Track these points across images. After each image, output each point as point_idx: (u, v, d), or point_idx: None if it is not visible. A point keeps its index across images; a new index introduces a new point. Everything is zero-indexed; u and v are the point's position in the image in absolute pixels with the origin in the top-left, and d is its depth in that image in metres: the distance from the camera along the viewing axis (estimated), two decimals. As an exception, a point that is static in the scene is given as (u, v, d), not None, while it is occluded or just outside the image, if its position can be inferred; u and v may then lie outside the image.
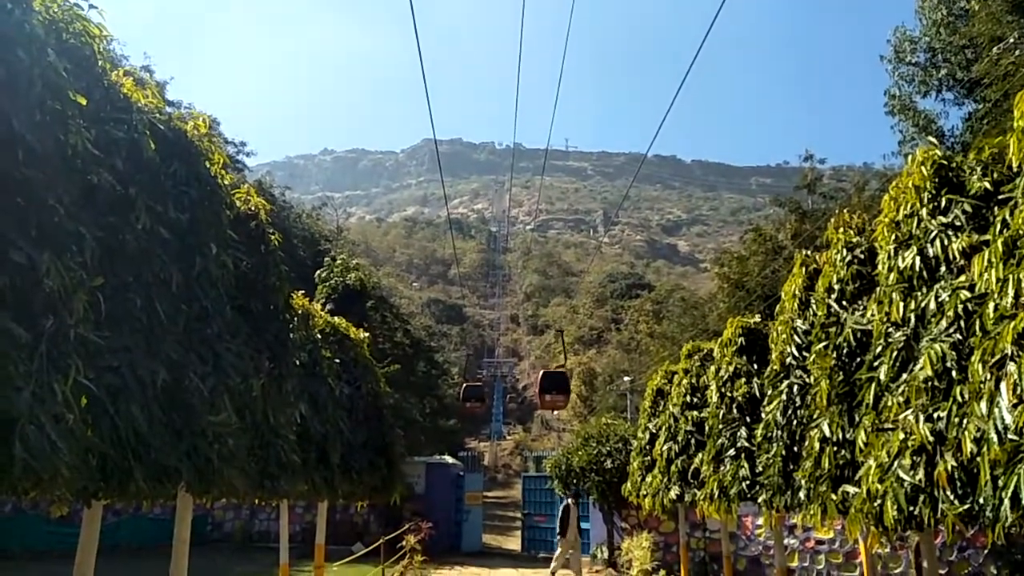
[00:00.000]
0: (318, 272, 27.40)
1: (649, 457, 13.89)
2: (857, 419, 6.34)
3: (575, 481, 22.11)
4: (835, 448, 6.68)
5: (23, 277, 3.18)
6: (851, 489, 6.29)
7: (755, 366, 10.17)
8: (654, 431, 13.89)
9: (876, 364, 5.99)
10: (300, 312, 9.05)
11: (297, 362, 8.23)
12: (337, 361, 10.59)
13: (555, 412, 79.66)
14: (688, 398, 12.53)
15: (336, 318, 11.73)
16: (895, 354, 5.72)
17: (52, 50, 4.03)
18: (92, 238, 4.10)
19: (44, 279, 3.28)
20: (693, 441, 12.06)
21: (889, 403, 5.65)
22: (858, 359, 6.63)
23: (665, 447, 12.75)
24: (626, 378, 48.30)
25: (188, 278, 5.47)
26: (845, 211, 8.01)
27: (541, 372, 27.14)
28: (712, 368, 11.36)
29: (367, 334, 13.02)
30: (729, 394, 10.35)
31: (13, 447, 3.02)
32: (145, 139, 5.24)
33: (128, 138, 5.06)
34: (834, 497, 6.61)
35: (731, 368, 10.50)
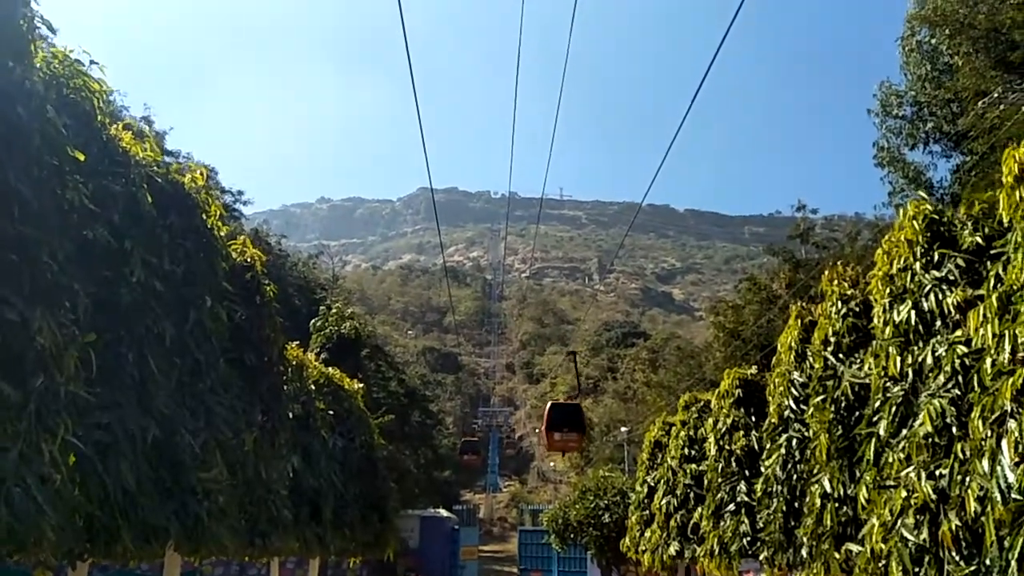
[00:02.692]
0: (313, 321, 27.28)
1: (648, 511, 13.66)
2: (858, 475, 6.26)
3: (572, 536, 21.68)
4: (837, 505, 6.58)
5: (15, 335, 3.15)
6: (855, 548, 6.17)
7: (753, 418, 10.09)
8: (652, 484, 13.69)
9: (875, 419, 5.94)
10: (294, 363, 8.99)
11: (291, 415, 8.13)
12: (331, 413, 10.47)
13: (552, 464, 78.64)
14: (686, 450, 12.39)
15: (330, 368, 11.64)
16: (894, 409, 5.68)
17: (52, 106, 4.08)
18: (85, 293, 4.08)
19: (36, 337, 3.25)
20: (692, 495, 11.88)
21: (890, 459, 5.59)
22: (857, 413, 6.58)
23: (664, 501, 12.55)
24: (623, 428, 47.83)
25: (182, 331, 5.43)
26: (839, 263, 8.05)
27: (549, 404, 21.19)
28: (710, 420, 11.26)
29: (361, 385, 12.91)
30: (728, 447, 10.24)
31: (-2, 510, 2.95)
32: (142, 192, 5.27)
33: (125, 191, 5.09)
34: (837, 556, 6.49)
35: (729, 420, 10.41)
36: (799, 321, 8.36)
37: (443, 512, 32.19)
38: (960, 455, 4.80)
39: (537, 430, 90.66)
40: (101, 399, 4.25)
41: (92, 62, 4.93)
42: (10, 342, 3.17)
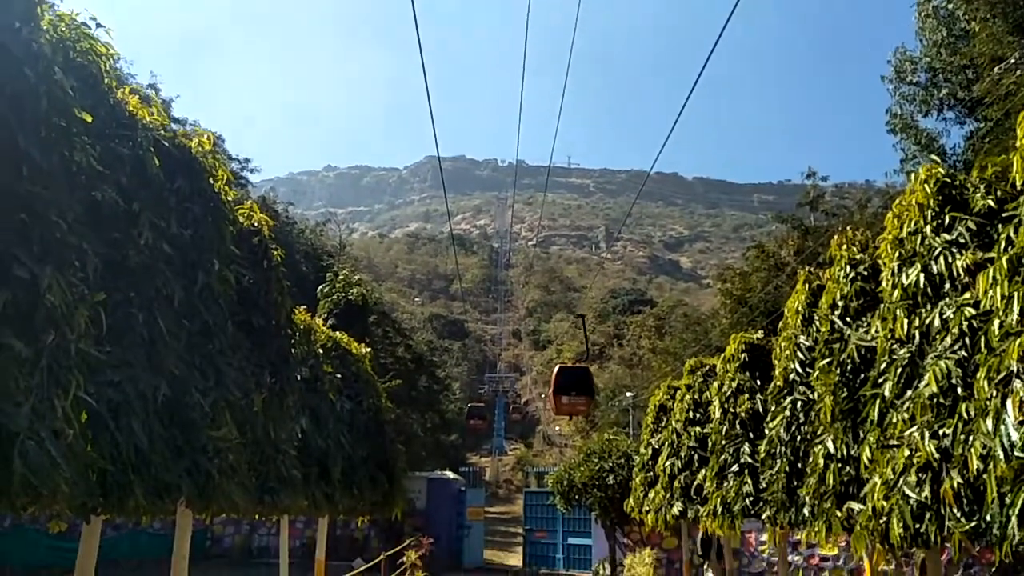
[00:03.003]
0: (320, 287, 27.41)
1: (652, 473, 13.81)
2: (862, 436, 6.30)
3: (577, 497, 21.98)
4: (839, 465, 6.63)
5: (25, 292, 3.18)
6: (856, 506, 6.23)
7: (758, 382, 10.13)
8: (657, 447, 13.82)
9: (881, 381, 5.96)
10: (302, 327, 9.05)
11: (299, 377, 8.22)
12: (338, 376, 10.56)
13: (557, 428, 79.36)
14: (691, 414, 12.48)
15: (338, 333, 11.72)
16: (900, 371, 5.69)
17: (59, 68, 4.06)
18: (95, 253, 4.11)
19: (46, 294, 3.27)
20: (696, 457, 12.00)
21: (894, 420, 5.62)
22: (862, 376, 6.60)
23: (668, 463, 12.68)
24: (628, 394, 48.14)
25: (190, 293, 5.47)
26: (848, 228, 8.01)
27: (557, 368, 20.00)
28: (715, 384, 11.32)
29: (369, 349, 13.00)
30: (732, 410, 10.31)
31: (12, 463, 3.01)
32: (150, 155, 5.27)
33: (133, 154, 5.09)
34: (839, 514, 6.56)
35: (734, 384, 10.46)
36: (807, 285, 8.35)
37: (450, 474, 32.61)
38: (964, 415, 4.82)
39: (543, 395, 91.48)
40: (112, 358, 4.31)
41: (99, 25, 4.89)
42: (20, 299, 3.20)
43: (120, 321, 4.52)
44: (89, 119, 4.23)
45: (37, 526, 22.24)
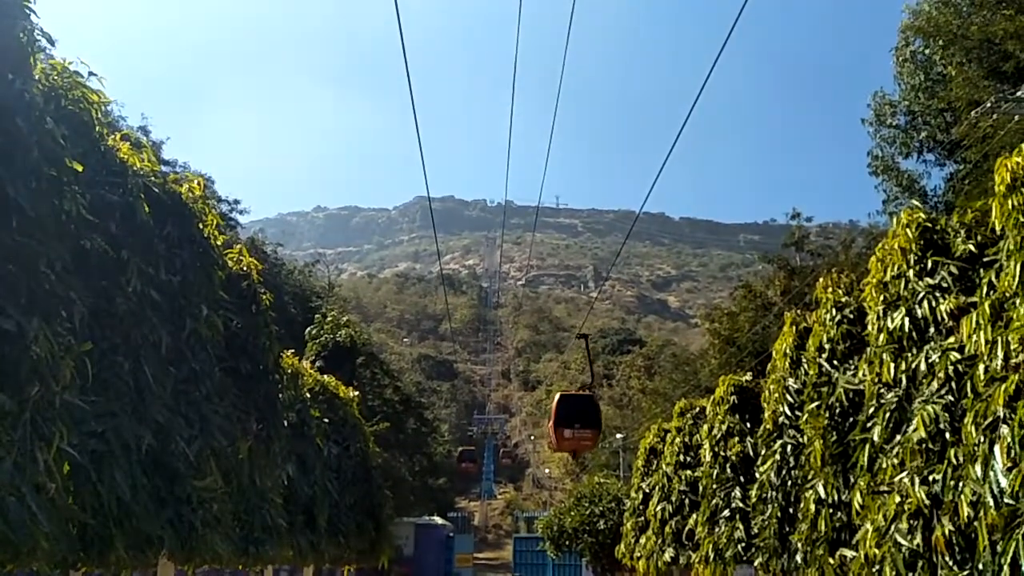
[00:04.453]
0: (308, 329, 27.29)
1: (643, 517, 13.67)
2: (852, 480, 6.28)
3: (567, 543, 21.66)
4: (831, 510, 6.60)
5: (11, 344, 3.16)
6: (849, 553, 6.19)
7: (748, 424, 10.12)
8: (647, 491, 13.70)
9: (869, 425, 5.97)
10: (289, 372, 8.99)
11: (285, 423, 8.14)
12: (326, 421, 10.47)
13: (547, 470, 78.50)
14: (681, 457, 12.40)
15: (326, 376, 11.64)
16: (888, 415, 5.71)
17: (51, 117, 4.09)
18: (82, 302, 4.09)
19: (32, 346, 3.25)
20: (687, 501, 11.89)
21: (884, 465, 5.61)
22: (851, 419, 6.61)
23: (659, 507, 12.56)
24: (618, 435, 47.80)
25: (178, 340, 5.44)
26: (833, 271, 8.10)
27: (558, 396, 16.92)
28: (705, 426, 11.28)
29: (357, 393, 12.91)
30: (723, 453, 10.26)
31: (-8, 519, 2.95)
32: (140, 202, 5.29)
33: (123, 201, 5.11)
34: (832, 561, 6.50)
35: (724, 427, 10.44)
36: (794, 328, 8.40)
37: (438, 519, 32.10)
38: (953, 460, 4.83)
39: (533, 437, 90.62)
40: (96, 408, 4.27)
41: (91, 73, 4.95)
42: (6, 351, 3.18)
43: (106, 370, 4.49)
44: (80, 168, 4.26)
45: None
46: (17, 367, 3.21)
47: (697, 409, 12.59)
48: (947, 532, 4.73)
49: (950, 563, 4.71)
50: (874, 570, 5.41)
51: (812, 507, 6.85)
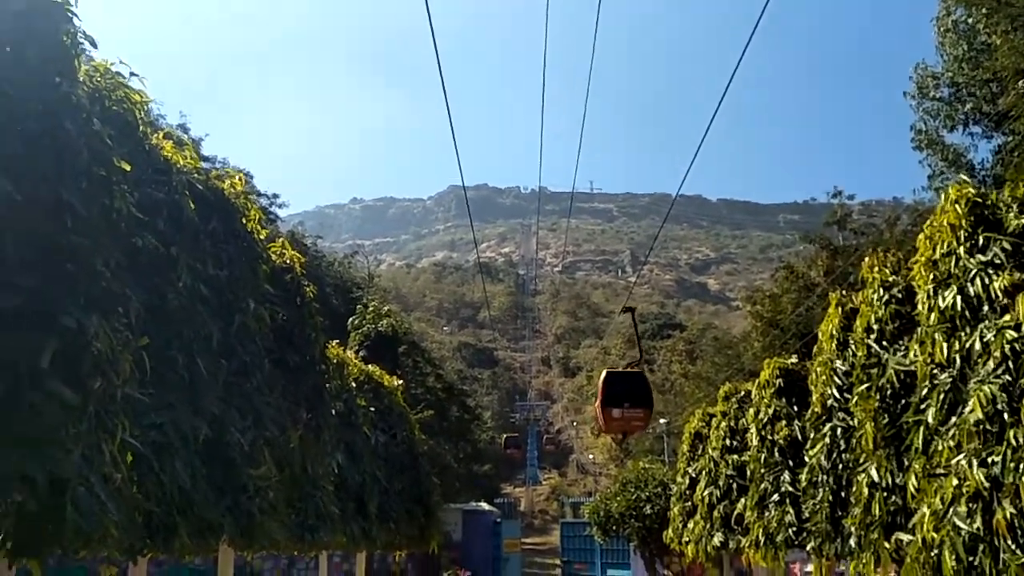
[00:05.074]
0: (351, 320, 27.66)
1: (690, 503, 13.60)
2: (907, 463, 6.16)
3: (614, 528, 21.68)
4: (885, 494, 6.48)
5: (73, 341, 3.27)
6: (905, 537, 6.07)
7: (795, 408, 9.98)
8: (694, 475, 13.61)
9: (923, 407, 5.83)
10: (335, 362, 9.13)
11: (333, 412, 8.28)
12: (372, 410, 10.62)
13: (591, 456, 78.55)
14: (727, 441, 12.29)
15: (370, 366, 11.80)
16: (942, 396, 5.57)
17: (97, 119, 4.19)
18: (137, 299, 4.21)
19: (93, 342, 3.36)
20: (735, 485, 11.80)
21: (939, 447, 5.49)
22: (903, 401, 6.47)
23: (706, 492, 12.48)
24: (661, 420, 47.55)
25: (227, 334, 5.56)
26: (879, 249, 7.91)
27: (604, 373, 15.40)
28: (751, 410, 11.16)
29: (400, 381, 13.06)
30: (770, 437, 10.15)
31: (65, 509, 3.07)
32: (185, 199, 5.41)
33: (169, 199, 5.23)
34: (887, 545, 6.39)
35: (770, 410, 10.31)
36: (839, 309, 8.23)
37: (485, 505, 32.39)
38: (1013, 442, 4.70)
39: (575, 423, 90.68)
40: (154, 400, 4.39)
41: (132, 74, 5.05)
42: (68, 348, 3.28)
43: (161, 364, 4.62)
44: (128, 167, 4.36)
45: (83, 562, 22.43)
46: (80, 363, 3.32)
47: (742, 393, 12.46)
48: (1008, 515, 4.61)
49: (1012, 547, 4.60)
50: (932, 554, 5.30)
51: (865, 491, 6.74)
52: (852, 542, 7.08)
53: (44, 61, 3.48)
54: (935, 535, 5.26)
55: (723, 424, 12.57)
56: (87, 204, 3.74)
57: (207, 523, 4.68)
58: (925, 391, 5.86)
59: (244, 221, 6.40)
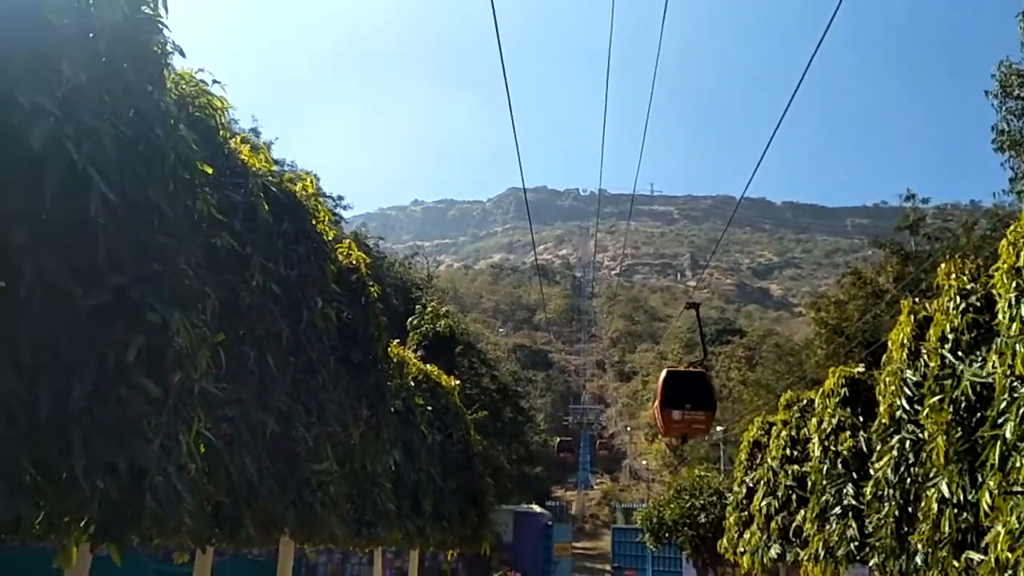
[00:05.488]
0: (409, 319, 28.08)
1: (747, 512, 13.34)
2: (980, 480, 5.91)
3: (667, 535, 21.43)
4: (956, 510, 6.24)
5: (157, 336, 3.43)
6: (976, 556, 5.84)
7: (860, 419, 9.69)
8: (751, 485, 13.35)
9: (1001, 421, 5.60)
10: (396, 361, 9.30)
11: (392, 410, 8.44)
12: (429, 409, 10.77)
13: (644, 462, 77.68)
14: (788, 451, 12.02)
15: (428, 366, 11.97)
16: (1022, 410, 5.34)
17: (183, 124, 4.40)
18: (214, 296, 4.39)
19: (175, 337, 3.52)
20: (794, 497, 11.53)
21: (1018, 463, 5.26)
22: (978, 414, 6.22)
23: (764, 503, 12.23)
24: (719, 428, 46.72)
25: (296, 331, 5.74)
26: (955, 255, 7.62)
27: (664, 373, 14.75)
28: (813, 420, 10.88)
29: (457, 381, 13.20)
30: (833, 448, 9.88)
31: (143, 497, 3.23)
32: (260, 201, 5.61)
33: (245, 201, 5.43)
34: (956, 564, 6.16)
35: (834, 420, 10.04)
36: (911, 317, 7.96)
37: (536, 508, 32.40)
38: (1098, 461, 4.47)
39: (629, 428, 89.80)
40: (227, 394, 4.57)
41: (215, 81, 5.28)
42: (153, 343, 3.45)
43: (234, 359, 4.80)
44: (210, 171, 4.56)
45: (148, 550, 23.35)
46: (162, 357, 3.48)
47: (804, 402, 12.16)
48: (1091, 537, 4.40)
49: (1095, 570, 4.38)
50: (1006, 574, 5.09)
51: (935, 506, 6.50)
52: (919, 559, 6.84)
53: (137, 71, 3.66)
54: (1010, 555, 5.05)
55: (783, 433, 12.29)
56: (173, 206, 3.93)
57: (271, 515, 4.84)
58: (1004, 404, 5.62)
59: (314, 222, 6.59)
